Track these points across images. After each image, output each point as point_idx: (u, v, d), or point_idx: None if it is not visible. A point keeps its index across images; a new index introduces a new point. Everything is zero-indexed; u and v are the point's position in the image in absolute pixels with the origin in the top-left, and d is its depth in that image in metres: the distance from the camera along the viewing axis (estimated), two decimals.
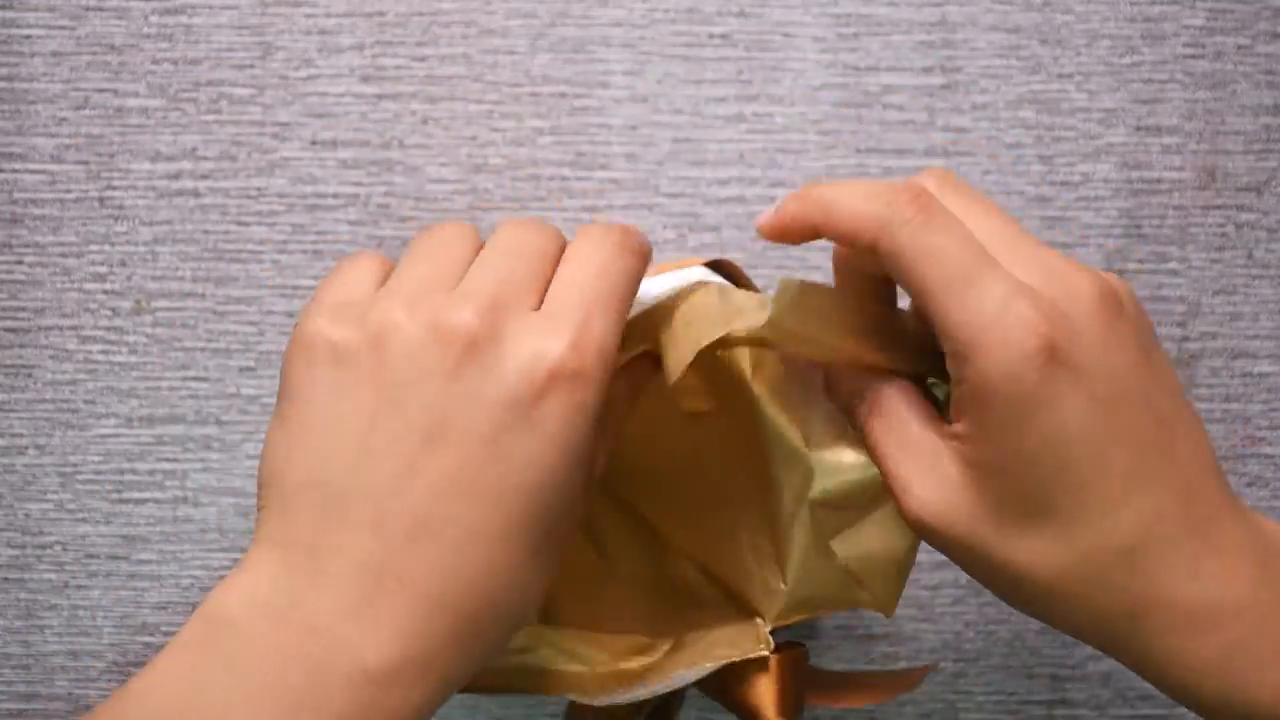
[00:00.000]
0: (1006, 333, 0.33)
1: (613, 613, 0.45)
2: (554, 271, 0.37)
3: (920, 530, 0.36)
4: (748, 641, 0.41)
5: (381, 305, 0.35)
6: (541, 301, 0.36)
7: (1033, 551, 0.35)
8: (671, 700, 0.45)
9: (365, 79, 0.52)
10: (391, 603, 0.34)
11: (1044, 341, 0.33)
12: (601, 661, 0.42)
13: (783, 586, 0.42)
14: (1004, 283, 0.34)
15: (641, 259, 0.38)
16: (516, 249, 0.37)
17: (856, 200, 0.35)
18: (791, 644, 0.42)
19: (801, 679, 0.42)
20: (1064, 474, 0.34)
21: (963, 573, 0.50)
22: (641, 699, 0.41)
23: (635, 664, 0.42)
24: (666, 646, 0.43)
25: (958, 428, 0.35)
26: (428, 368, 0.34)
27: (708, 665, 0.41)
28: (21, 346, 0.52)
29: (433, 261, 0.37)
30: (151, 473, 0.52)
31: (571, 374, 0.34)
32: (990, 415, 0.34)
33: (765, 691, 0.41)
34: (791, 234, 0.37)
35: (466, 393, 0.34)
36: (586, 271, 0.36)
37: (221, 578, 0.52)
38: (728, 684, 0.42)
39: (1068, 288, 0.34)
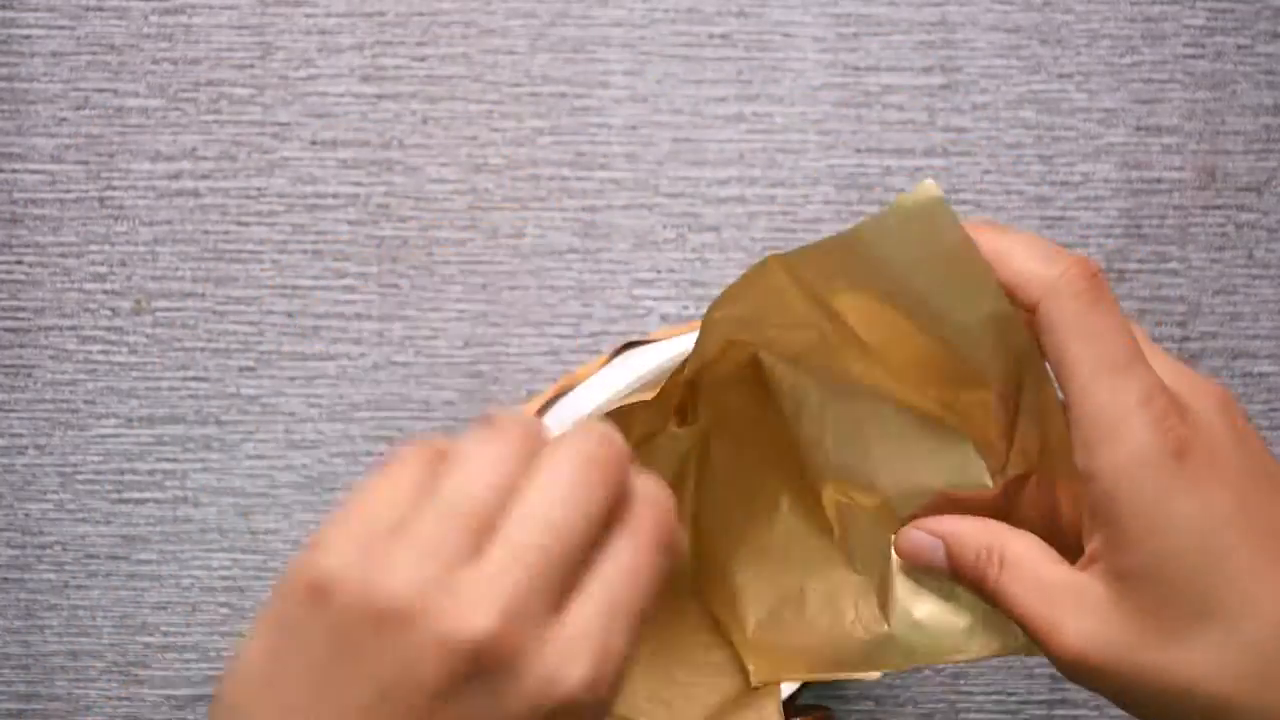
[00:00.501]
0: (1147, 421, 0.33)
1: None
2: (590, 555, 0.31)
3: (1080, 670, 0.34)
4: None
5: (391, 567, 0.29)
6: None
7: (1203, 657, 0.33)
8: None
9: (365, 79, 0.52)
10: None
11: (1180, 436, 0.33)
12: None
13: (886, 628, 0.41)
14: (1150, 377, 0.34)
15: (674, 557, 0.32)
16: (557, 524, 0.30)
17: (1031, 255, 0.34)
18: (816, 707, 0.42)
19: None
20: (1220, 563, 0.33)
21: None
22: None
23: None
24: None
25: (1094, 543, 0.34)
26: (418, 675, 0.29)
27: None
28: (21, 346, 0.52)
29: (460, 504, 0.30)
30: (151, 473, 0.52)
31: (582, 707, 0.30)
32: (1129, 510, 0.33)
33: None
34: None
35: (460, 715, 0.29)
36: (622, 575, 0.31)
37: (223, 576, 0.52)
38: None
39: (1195, 389, 0.35)
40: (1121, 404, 0.33)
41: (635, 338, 0.43)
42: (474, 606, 0.28)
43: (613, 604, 0.30)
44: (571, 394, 0.42)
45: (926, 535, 0.38)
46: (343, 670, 0.29)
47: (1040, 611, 0.35)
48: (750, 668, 0.43)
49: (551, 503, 0.30)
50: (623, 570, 0.31)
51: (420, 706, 0.29)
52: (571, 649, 0.29)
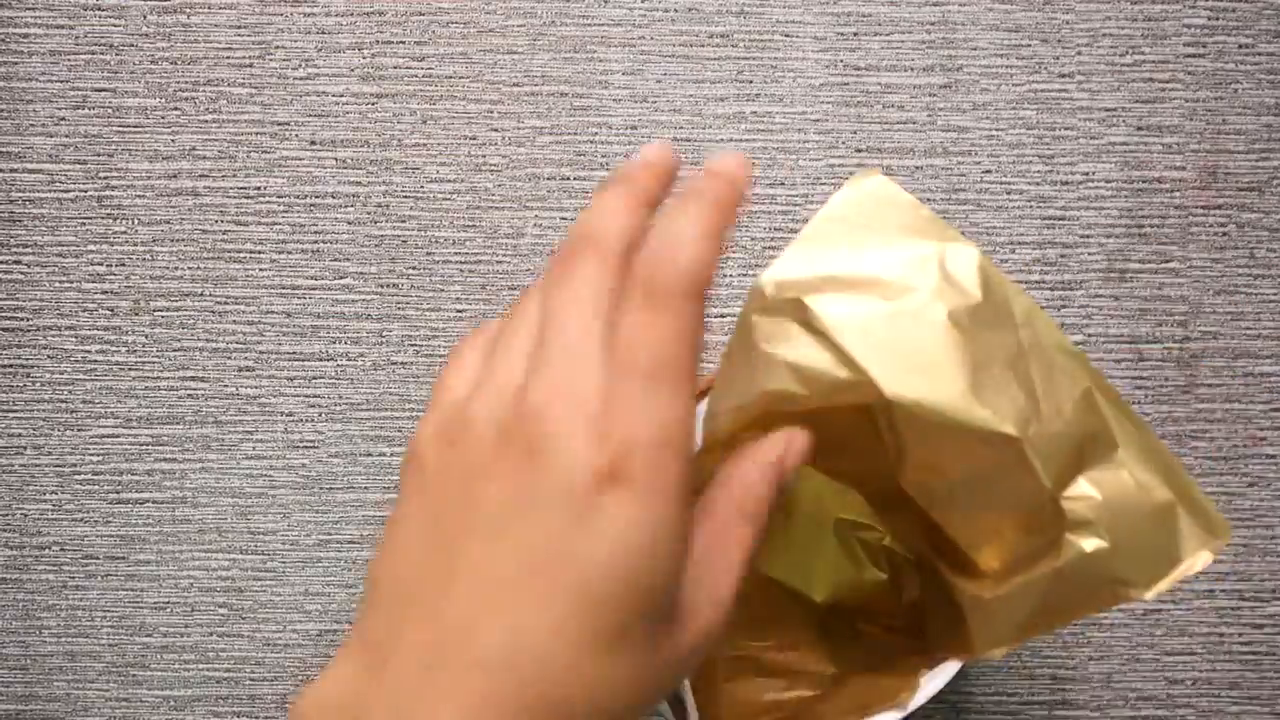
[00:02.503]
0: None
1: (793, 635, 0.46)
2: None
3: None
4: (898, 694, 0.41)
5: (465, 404, 0.35)
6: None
7: None
8: None
9: (364, 78, 0.52)
10: (444, 695, 0.34)
11: None
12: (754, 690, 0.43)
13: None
14: None
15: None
16: (575, 324, 0.35)
17: None
18: None
19: None
20: None
21: None
22: None
23: (791, 695, 0.43)
24: (818, 691, 0.44)
25: None
26: (490, 469, 0.34)
27: None
28: (19, 346, 0.52)
29: (519, 334, 0.36)
30: (150, 473, 0.52)
31: (625, 479, 0.33)
32: None
33: None
34: None
35: (520, 494, 0.34)
36: (655, 334, 0.34)
37: (221, 576, 0.52)
38: None
39: None
40: None
41: None
42: (522, 406, 0.34)
43: (645, 371, 0.34)
44: None
45: None
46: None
47: None
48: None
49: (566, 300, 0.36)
50: (655, 329, 0.35)
51: (495, 480, 0.34)
52: (600, 428, 0.34)
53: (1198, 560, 0.39)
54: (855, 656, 0.45)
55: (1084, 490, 0.39)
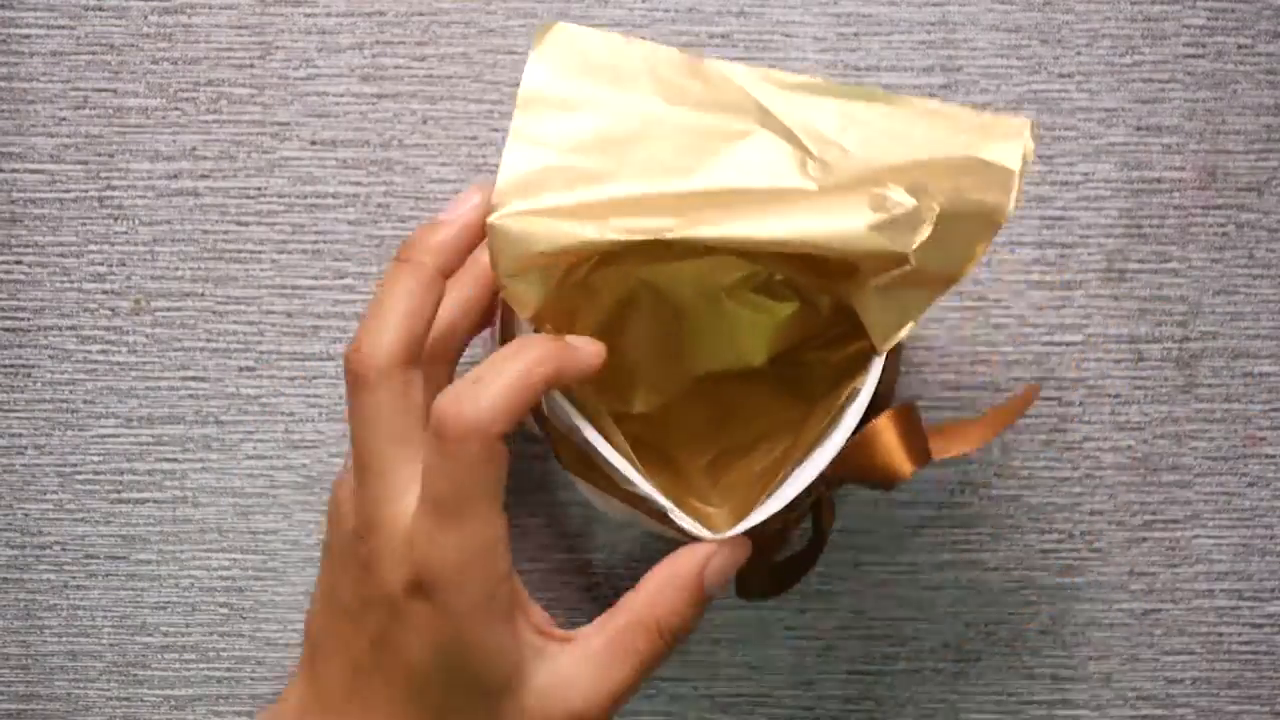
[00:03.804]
0: None
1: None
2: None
3: None
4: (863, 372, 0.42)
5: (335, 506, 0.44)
6: None
7: None
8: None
9: (365, 79, 0.52)
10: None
11: None
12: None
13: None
14: None
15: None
16: None
17: None
18: (903, 403, 0.44)
19: (918, 431, 0.43)
20: None
21: (963, 573, 0.50)
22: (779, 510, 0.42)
23: (774, 455, 0.45)
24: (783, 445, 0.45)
25: None
26: (346, 573, 0.42)
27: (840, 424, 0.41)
28: (20, 346, 0.52)
29: (352, 456, 0.43)
30: (151, 473, 0.52)
31: (426, 592, 0.40)
32: None
33: (892, 450, 0.42)
34: None
35: (363, 595, 0.42)
36: None
37: (222, 576, 0.52)
38: (852, 458, 0.43)
39: None
40: None
41: None
42: None
43: None
44: None
45: None
46: None
47: None
48: (711, 511, 0.45)
49: None
50: None
51: None
52: None
53: (1025, 153, 0.40)
54: (814, 386, 0.46)
55: (896, 192, 0.40)
